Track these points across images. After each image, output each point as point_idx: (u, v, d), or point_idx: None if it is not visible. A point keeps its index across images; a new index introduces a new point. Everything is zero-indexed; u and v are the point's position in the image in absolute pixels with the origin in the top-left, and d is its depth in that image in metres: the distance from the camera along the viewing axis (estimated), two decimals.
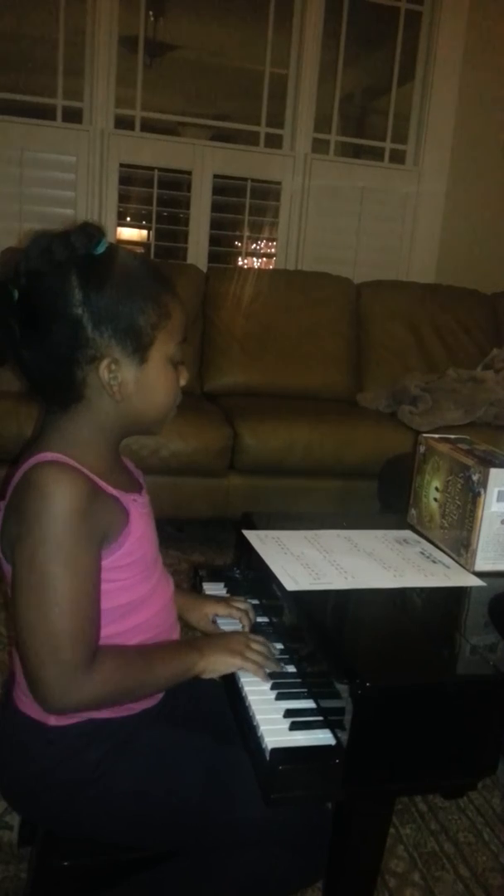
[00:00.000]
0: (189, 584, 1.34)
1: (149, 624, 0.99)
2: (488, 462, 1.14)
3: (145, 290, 0.91)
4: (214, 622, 1.15)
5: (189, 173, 3.56)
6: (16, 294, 0.87)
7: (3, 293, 0.87)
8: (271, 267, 3.82)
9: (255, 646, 1.02)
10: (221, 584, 1.26)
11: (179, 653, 0.99)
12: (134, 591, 0.97)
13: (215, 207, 3.61)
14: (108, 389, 0.91)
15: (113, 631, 0.94)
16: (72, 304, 0.87)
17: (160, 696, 1.04)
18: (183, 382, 0.98)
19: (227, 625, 1.14)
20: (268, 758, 0.84)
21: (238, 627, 1.13)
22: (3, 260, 2.72)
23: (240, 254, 3.93)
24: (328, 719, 0.89)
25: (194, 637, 1.13)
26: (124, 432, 0.98)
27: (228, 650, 1.00)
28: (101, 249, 0.89)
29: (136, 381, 0.93)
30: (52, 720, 0.95)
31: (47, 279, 0.87)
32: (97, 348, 0.89)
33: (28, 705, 0.96)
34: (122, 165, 3.45)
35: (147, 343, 0.92)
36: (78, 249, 0.88)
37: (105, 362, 0.90)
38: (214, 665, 0.98)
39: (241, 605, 1.15)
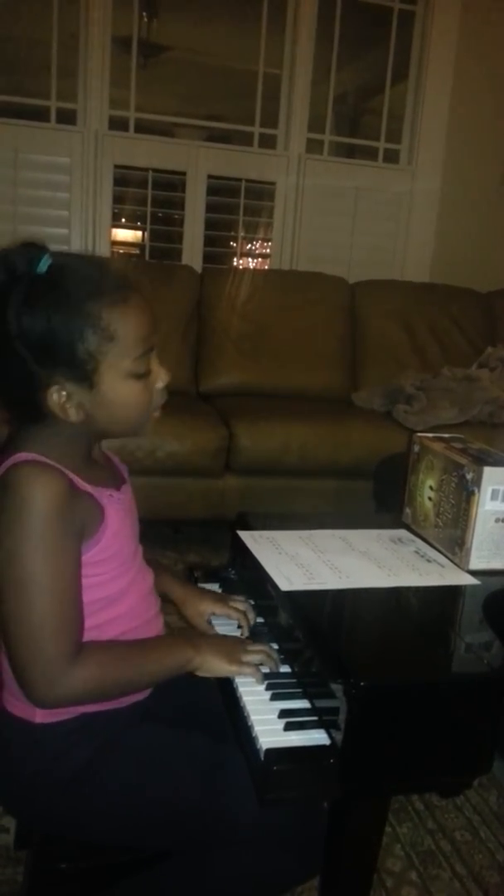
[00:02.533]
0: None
1: (126, 616, 0.99)
2: (482, 460, 1.14)
3: (84, 311, 0.86)
4: (210, 622, 1.14)
5: (183, 174, 3.56)
6: None
7: None
8: (266, 267, 3.82)
9: (253, 649, 1.01)
10: (216, 585, 1.26)
11: (174, 648, 0.99)
12: (111, 587, 0.97)
13: (210, 208, 3.61)
14: (63, 413, 0.90)
15: (89, 624, 0.93)
16: (11, 338, 0.85)
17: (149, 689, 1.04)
18: (160, 384, 0.96)
19: (222, 625, 1.13)
20: (262, 758, 0.84)
21: (235, 628, 1.12)
22: None
23: (235, 254, 3.93)
24: (323, 719, 0.89)
25: (191, 632, 1.12)
26: (99, 438, 0.98)
27: (225, 654, 0.99)
28: (42, 268, 0.86)
29: (92, 402, 0.91)
30: (38, 718, 0.95)
31: None
32: (42, 378, 0.88)
33: (14, 705, 0.96)
34: (116, 167, 3.44)
35: (91, 369, 0.89)
36: (17, 269, 0.86)
37: (53, 389, 0.89)
38: (209, 665, 0.98)
39: (240, 606, 1.14)
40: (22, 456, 0.89)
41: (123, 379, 0.91)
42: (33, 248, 0.87)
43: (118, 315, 0.88)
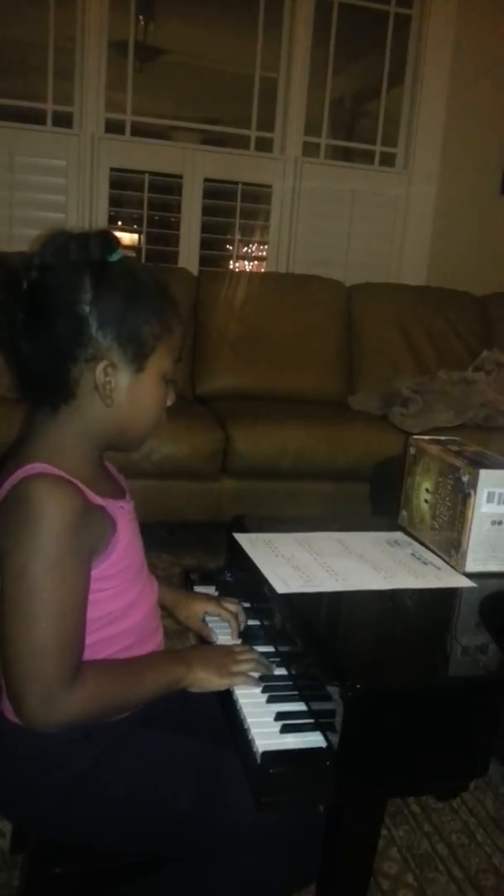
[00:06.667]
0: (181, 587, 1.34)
1: (132, 630, 0.99)
2: (478, 463, 1.14)
3: (152, 303, 0.93)
4: (204, 621, 1.14)
5: (180, 177, 3.56)
6: (24, 285, 0.88)
7: (13, 282, 0.88)
8: (262, 270, 3.82)
9: (242, 658, 1.01)
10: (213, 588, 1.26)
11: (167, 666, 0.98)
12: (121, 599, 0.97)
13: (206, 211, 3.61)
14: (102, 392, 0.91)
15: (97, 638, 0.93)
16: (80, 301, 0.88)
17: None
18: (169, 402, 0.99)
19: (216, 625, 1.14)
20: (259, 761, 0.84)
21: (227, 629, 1.12)
22: None
23: (231, 257, 3.93)
24: (319, 722, 0.89)
25: (183, 648, 1.12)
26: (107, 442, 0.98)
27: (216, 668, 0.99)
28: (115, 258, 0.90)
29: (128, 389, 0.93)
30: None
31: (60, 274, 0.88)
32: (97, 349, 0.90)
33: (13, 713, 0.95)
34: (112, 170, 3.44)
35: (147, 352, 0.93)
36: (93, 253, 0.89)
37: (103, 364, 0.90)
38: (201, 682, 0.98)
39: (232, 607, 1.14)
40: (36, 467, 0.88)
41: (158, 377, 0.96)
42: (112, 239, 0.91)
43: (173, 315, 0.96)
